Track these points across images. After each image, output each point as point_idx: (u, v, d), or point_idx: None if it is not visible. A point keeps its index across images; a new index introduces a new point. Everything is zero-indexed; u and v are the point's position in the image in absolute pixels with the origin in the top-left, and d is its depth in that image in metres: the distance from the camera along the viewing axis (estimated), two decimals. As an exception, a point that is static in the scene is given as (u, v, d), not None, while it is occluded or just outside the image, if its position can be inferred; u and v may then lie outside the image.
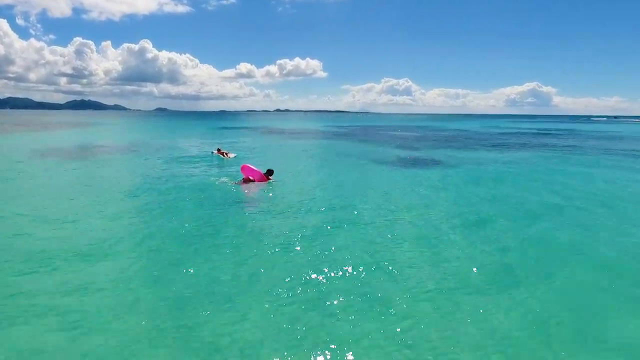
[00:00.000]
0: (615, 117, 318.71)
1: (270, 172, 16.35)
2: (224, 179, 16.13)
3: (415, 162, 23.40)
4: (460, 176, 18.37)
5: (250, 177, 15.61)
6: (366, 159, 24.84)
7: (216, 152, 25.17)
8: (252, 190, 14.71)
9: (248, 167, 15.86)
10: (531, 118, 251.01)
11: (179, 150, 28.58)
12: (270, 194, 14.13)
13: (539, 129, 78.26)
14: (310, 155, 27.62)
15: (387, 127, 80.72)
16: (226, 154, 24.75)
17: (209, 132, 60.23)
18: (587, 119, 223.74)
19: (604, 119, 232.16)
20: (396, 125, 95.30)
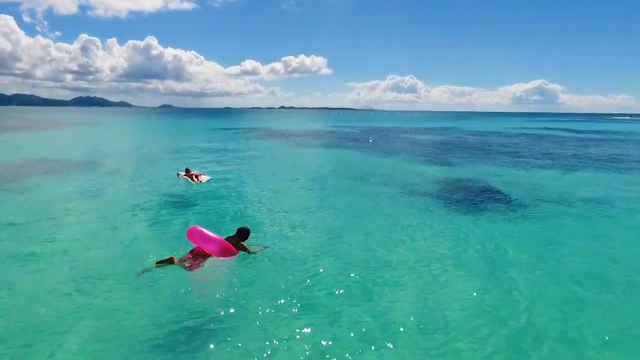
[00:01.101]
0: (630, 115, 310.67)
1: (243, 234, 9.25)
2: (148, 269, 7.88)
3: (459, 193, 16.37)
4: (552, 237, 11.33)
5: (206, 250, 8.67)
6: (390, 185, 17.84)
7: (183, 174, 18.31)
8: (208, 284, 7.84)
9: (199, 231, 8.59)
10: (544, 116, 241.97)
11: (140, 169, 21.75)
12: (241, 296, 7.18)
13: (570, 130, 71.03)
14: (314, 175, 20.62)
15: (398, 129, 73.31)
16: (196, 176, 17.92)
17: (204, 134, 53.88)
18: (610, 117, 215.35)
19: (628, 117, 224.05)
20: (407, 126, 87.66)
